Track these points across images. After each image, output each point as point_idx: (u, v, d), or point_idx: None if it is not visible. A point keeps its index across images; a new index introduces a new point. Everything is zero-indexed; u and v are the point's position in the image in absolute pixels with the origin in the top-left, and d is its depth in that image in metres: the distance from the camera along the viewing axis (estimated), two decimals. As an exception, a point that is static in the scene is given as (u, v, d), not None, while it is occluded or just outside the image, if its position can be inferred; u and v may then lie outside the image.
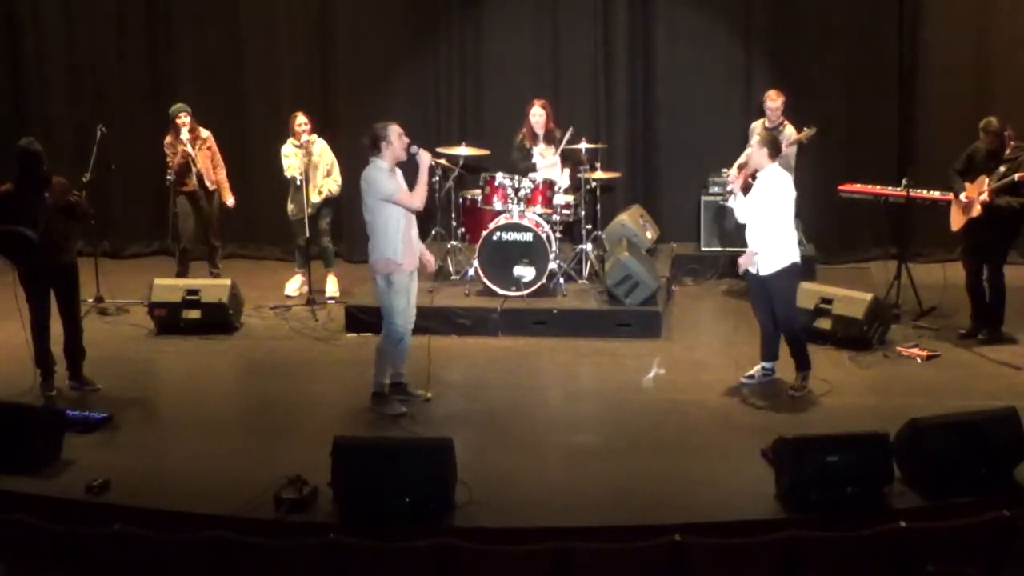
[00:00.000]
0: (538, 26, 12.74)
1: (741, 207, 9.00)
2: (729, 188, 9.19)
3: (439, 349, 10.15)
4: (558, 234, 11.08)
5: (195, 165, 11.29)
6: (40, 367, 9.03)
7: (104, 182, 11.09)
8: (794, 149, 10.99)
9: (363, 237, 12.95)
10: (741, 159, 11.44)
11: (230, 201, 11.57)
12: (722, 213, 12.09)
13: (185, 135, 11.23)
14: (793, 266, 8.79)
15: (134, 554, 6.47)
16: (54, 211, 8.72)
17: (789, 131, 11.05)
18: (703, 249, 12.35)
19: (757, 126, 11.34)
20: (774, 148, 8.80)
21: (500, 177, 10.96)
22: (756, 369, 9.09)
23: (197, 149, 11.32)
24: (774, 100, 11.17)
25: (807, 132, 10.76)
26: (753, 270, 8.85)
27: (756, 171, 8.86)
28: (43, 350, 9.02)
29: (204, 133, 11.44)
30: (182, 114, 11.27)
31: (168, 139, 11.36)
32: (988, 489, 7.13)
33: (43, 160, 8.78)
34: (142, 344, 10.40)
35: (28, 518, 6.62)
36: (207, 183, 11.39)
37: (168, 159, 11.31)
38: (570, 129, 11.13)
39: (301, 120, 11.26)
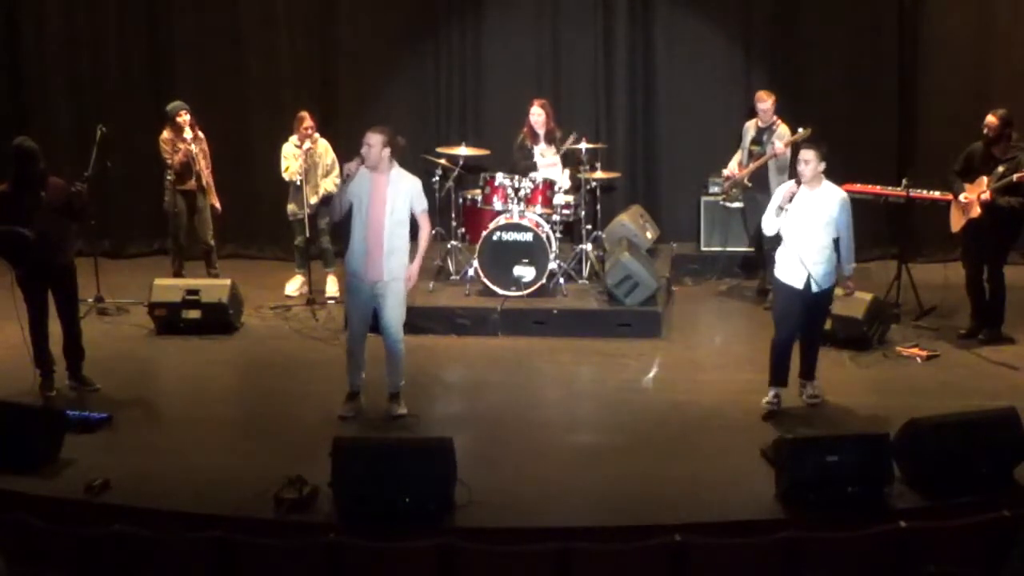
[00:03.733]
0: (538, 26, 12.74)
1: (788, 222, 8.43)
2: (785, 201, 8.38)
3: (439, 349, 10.18)
4: (558, 234, 11.09)
5: (195, 164, 11.30)
6: (39, 368, 9.03)
7: (102, 181, 11.05)
8: (790, 149, 10.97)
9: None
10: (734, 161, 11.47)
11: (218, 205, 11.56)
12: (723, 213, 12.10)
13: (188, 133, 11.24)
14: None
15: (134, 554, 6.47)
16: (51, 211, 8.72)
17: (783, 130, 11.01)
18: (703, 249, 12.35)
19: (750, 127, 11.31)
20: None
21: (500, 177, 10.96)
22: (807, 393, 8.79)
23: (197, 149, 11.33)
24: (764, 100, 11.12)
25: (802, 133, 10.73)
26: (799, 286, 8.41)
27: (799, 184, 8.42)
28: (42, 351, 9.02)
29: (200, 134, 11.45)
30: (183, 112, 11.25)
31: (166, 135, 11.32)
32: (988, 489, 7.12)
33: (39, 158, 8.74)
34: (142, 344, 10.39)
35: (28, 518, 6.63)
36: (204, 183, 11.41)
37: (166, 156, 11.30)
38: (572, 135, 11.16)
39: (309, 123, 11.24)
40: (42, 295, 8.92)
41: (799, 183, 8.39)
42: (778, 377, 8.58)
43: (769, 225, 8.56)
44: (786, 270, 8.49)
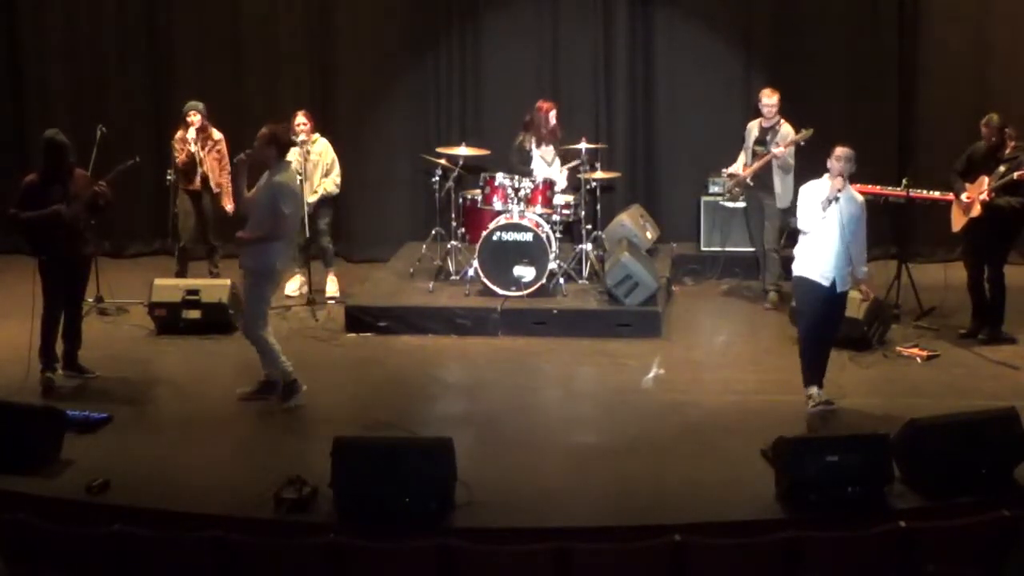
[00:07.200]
0: (539, 26, 12.74)
1: (823, 221, 8.32)
2: (833, 195, 8.27)
3: (439, 349, 10.18)
4: (558, 234, 11.09)
5: (201, 166, 11.31)
6: (42, 357, 9.09)
7: (126, 178, 10.99)
8: (792, 149, 10.96)
9: (363, 237, 13.09)
10: (740, 162, 11.45)
11: (229, 208, 11.55)
12: (723, 213, 12.09)
13: (192, 134, 11.25)
14: None
15: (134, 554, 6.47)
16: (77, 202, 8.89)
17: (786, 130, 11.01)
18: (703, 249, 12.34)
19: (754, 126, 11.30)
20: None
21: (500, 177, 10.96)
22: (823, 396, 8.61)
23: (207, 151, 11.33)
24: (769, 97, 11.09)
25: (804, 133, 10.74)
26: (826, 283, 8.37)
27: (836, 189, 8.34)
28: (48, 345, 9.11)
29: (216, 135, 11.44)
30: (192, 112, 11.28)
31: (179, 134, 11.38)
32: (988, 489, 7.13)
33: (70, 151, 8.97)
34: (142, 344, 10.39)
35: (28, 518, 6.62)
36: (212, 184, 11.41)
37: (176, 154, 11.34)
38: (578, 160, 11.23)
39: (300, 120, 11.26)
40: (61, 288, 9.07)
41: (844, 180, 8.30)
42: (816, 375, 8.55)
43: (811, 221, 8.35)
44: (813, 267, 8.41)
